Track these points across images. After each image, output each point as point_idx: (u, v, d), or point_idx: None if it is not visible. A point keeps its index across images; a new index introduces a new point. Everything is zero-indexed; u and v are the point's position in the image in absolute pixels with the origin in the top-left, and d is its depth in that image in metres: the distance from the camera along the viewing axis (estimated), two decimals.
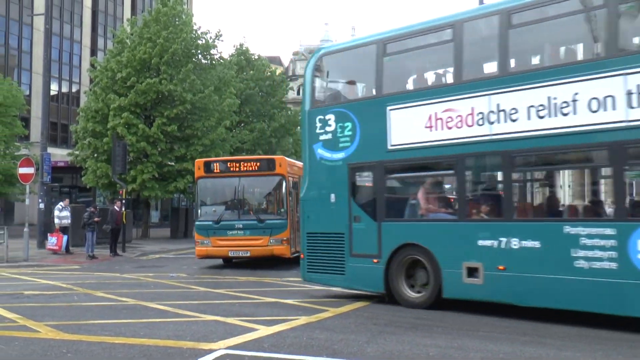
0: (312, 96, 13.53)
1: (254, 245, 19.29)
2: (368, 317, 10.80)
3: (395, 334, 9.29)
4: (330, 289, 14.81)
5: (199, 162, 20.61)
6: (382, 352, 8.12)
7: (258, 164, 19.88)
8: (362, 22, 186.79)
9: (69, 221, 24.99)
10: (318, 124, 13.19)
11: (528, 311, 10.75)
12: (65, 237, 24.31)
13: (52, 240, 24.52)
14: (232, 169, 19.92)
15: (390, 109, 12.13)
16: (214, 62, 36.82)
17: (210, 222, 19.70)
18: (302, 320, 10.39)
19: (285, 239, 19.24)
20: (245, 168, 19.80)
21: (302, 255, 13.58)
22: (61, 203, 25.42)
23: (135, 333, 9.20)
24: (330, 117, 12.99)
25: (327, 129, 13.05)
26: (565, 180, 14.23)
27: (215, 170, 20.05)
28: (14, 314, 10.84)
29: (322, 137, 13.14)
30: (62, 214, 24.63)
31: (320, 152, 13.17)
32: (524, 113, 10.44)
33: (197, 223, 20.25)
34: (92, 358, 7.71)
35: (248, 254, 19.38)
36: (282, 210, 19.54)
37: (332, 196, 12.97)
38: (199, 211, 20.38)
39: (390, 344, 8.65)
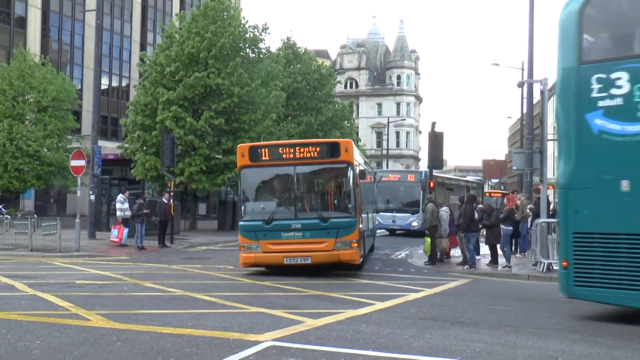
0: (579, 48, 10.46)
1: (315, 249, 15.71)
2: (414, 312, 10.75)
3: (442, 329, 9.23)
4: (378, 283, 14.78)
5: (243, 147, 16.66)
6: (428, 347, 8.07)
7: (318, 149, 16.25)
8: (410, 15, 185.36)
9: (129, 213, 24.77)
10: (595, 86, 10.13)
11: (578, 310, 10.57)
12: (126, 230, 24.63)
13: (114, 233, 24.83)
14: (285, 155, 16.30)
15: None
16: (261, 55, 36.96)
17: (260, 223, 16.01)
18: (348, 313, 10.40)
19: (354, 241, 15.86)
20: (301, 154, 16.16)
21: (564, 264, 10.51)
22: (122, 195, 25.47)
23: (182, 323, 9.34)
24: (621, 76, 9.90)
25: (614, 92, 9.95)
26: None
27: (263, 158, 16.37)
28: (67, 302, 11.10)
29: (603, 104, 10.05)
30: (124, 206, 24.71)
31: (601, 123, 10.04)
32: None
33: (241, 223, 16.43)
34: (140, 347, 7.85)
35: (308, 261, 15.75)
36: (350, 205, 16.11)
37: (625, 183, 9.86)
38: (244, 208, 16.65)
39: (437, 339, 8.60)
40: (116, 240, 24.47)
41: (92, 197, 27.57)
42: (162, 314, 10.14)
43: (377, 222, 26.63)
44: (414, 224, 31.66)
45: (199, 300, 11.82)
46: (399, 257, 22.74)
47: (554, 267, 17.39)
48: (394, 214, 32.49)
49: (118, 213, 24.75)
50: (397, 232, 33.90)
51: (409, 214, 32.37)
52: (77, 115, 47.61)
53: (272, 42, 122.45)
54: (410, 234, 32.38)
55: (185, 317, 9.91)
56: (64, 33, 53.39)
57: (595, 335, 9.07)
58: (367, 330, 9.06)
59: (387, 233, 34.08)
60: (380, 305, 11.39)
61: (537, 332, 9.16)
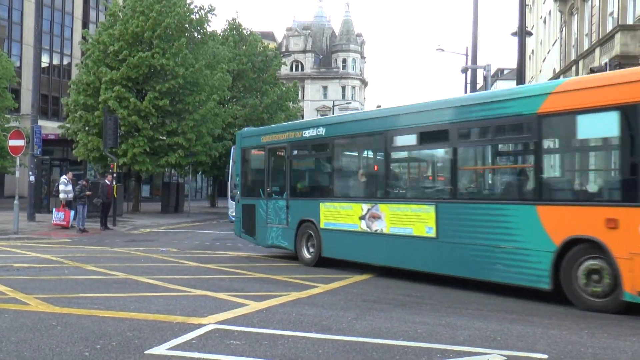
0: None
1: None
2: (357, 294, 10.85)
3: (384, 311, 9.34)
4: (321, 267, 14.86)
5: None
6: (370, 329, 8.16)
7: None
8: None
9: (72, 195, 24.29)
10: None
11: (515, 291, 10.84)
12: (72, 212, 24.12)
13: (59, 216, 24.28)
14: None
15: None
16: (206, 36, 36.56)
17: None
18: (292, 296, 10.43)
19: None
20: None
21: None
22: (65, 177, 24.98)
23: (125, 307, 9.21)
24: None
25: None
26: None
27: None
28: (4, 287, 10.82)
29: None
30: (67, 188, 24.23)
31: None
32: None
33: None
34: (81, 331, 7.71)
35: None
36: None
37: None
38: None
39: (379, 320, 8.69)
40: (63, 223, 23.98)
41: (32, 178, 26.92)
42: (104, 298, 9.98)
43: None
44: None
45: (142, 283, 11.68)
46: None
47: None
48: None
49: (61, 195, 24.27)
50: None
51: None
52: (16, 93, 46.28)
53: (217, 24, 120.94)
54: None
55: (127, 300, 9.78)
56: (0, 8, 51.65)
57: (532, 315, 9.31)
58: (310, 312, 9.11)
59: None
60: (323, 287, 11.46)
61: (477, 314, 9.34)
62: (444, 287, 11.85)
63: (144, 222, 28.36)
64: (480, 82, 36.32)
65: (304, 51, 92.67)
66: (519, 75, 19.34)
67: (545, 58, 44.71)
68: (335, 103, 78.08)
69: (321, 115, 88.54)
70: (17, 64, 49.39)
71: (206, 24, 36.01)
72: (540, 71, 46.18)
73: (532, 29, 45.40)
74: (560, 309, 9.82)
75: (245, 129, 19.49)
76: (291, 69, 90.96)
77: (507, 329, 8.28)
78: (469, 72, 29.92)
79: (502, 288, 10.99)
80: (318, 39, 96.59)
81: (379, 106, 24.04)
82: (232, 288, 11.16)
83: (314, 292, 10.97)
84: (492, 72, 23.40)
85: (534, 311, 9.63)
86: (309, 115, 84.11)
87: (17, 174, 23.59)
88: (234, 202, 20.69)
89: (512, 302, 10.40)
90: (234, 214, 20.77)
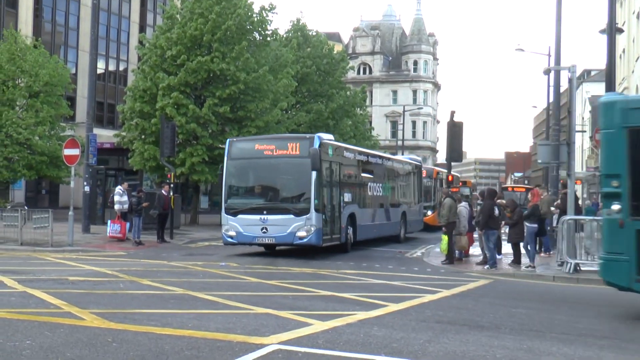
0: None
1: None
2: (430, 315, 10.74)
3: (460, 333, 9.22)
4: (392, 283, 14.80)
5: None
6: (444, 353, 8.07)
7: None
8: None
9: (128, 206, 24.66)
10: None
11: (607, 313, 10.54)
12: (128, 224, 24.63)
13: (114, 228, 24.78)
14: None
15: None
16: (268, 38, 36.90)
17: None
18: (360, 315, 10.40)
19: None
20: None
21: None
22: (120, 187, 25.46)
23: (183, 324, 9.36)
24: None
25: None
26: None
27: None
28: (59, 300, 11.14)
29: None
30: (122, 198, 24.70)
31: None
32: None
33: None
34: (138, 348, 7.87)
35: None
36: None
37: None
38: None
39: (454, 343, 8.58)
40: (119, 235, 24.47)
41: (87, 189, 27.66)
42: (161, 314, 10.17)
43: (232, 231, 20.73)
44: (301, 233, 19.91)
45: (201, 299, 11.84)
46: (414, 255, 22.76)
47: (582, 268, 17.38)
48: (264, 217, 20.29)
49: (117, 206, 24.75)
50: (271, 246, 21.94)
51: (292, 216, 20.11)
52: (71, 101, 47.70)
53: (280, 25, 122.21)
54: (296, 251, 22.06)
55: (185, 317, 9.93)
56: (57, 13, 53.51)
57: (625, 341, 9.03)
58: (380, 333, 9.06)
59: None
60: (393, 307, 11.39)
61: (563, 338, 9.13)
62: (525, 308, 11.62)
63: (203, 235, 28.74)
64: (564, 85, 35.61)
65: (372, 53, 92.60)
66: (609, 77, 18.85)
67: (638, 57, 43.45)
68: (406, 108, 77.79)
69: (390, 122, 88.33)
70: (73, 71, 50.97)
71: (268, 24, 36.30)
72: (633, 72, 44.90)
73: (623, 25, 44.19)
74: None
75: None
76: (358, 72, 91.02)
77: (596, 356, 8.06)
78: (552, 74, 29.40)
79: (593, 311, 10.69)
80: (387, 40, 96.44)
81: (453, 112, 23.75)
82: (296, 306, 11.20)
83: (384, 311, 10.91)
84: (578, 73, 22.90)
85: (628, 337, 9.34)
86: (377, 121, 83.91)
87: (72, 184, 24.23)
88: (229, 217, 20.74)
89: (603, 325, 10.12)
90: (230, 232, 20.72)
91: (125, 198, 24.58)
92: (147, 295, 12.29)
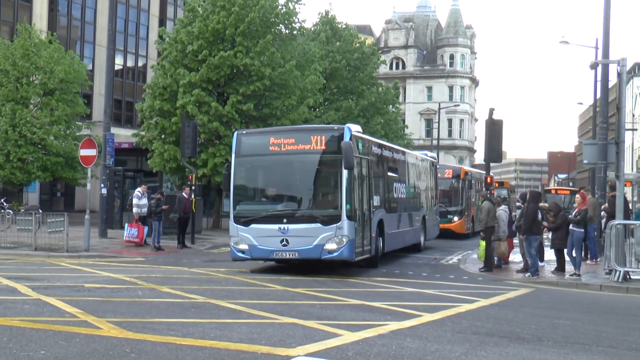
0: None
1: None
2: (467, 325, 10.69)
3: (498, 346, 9.16)
4: (426, 292, 14.74)
5: None
6: None
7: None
8: None
9: (147, 210, 24.83)
10: None
11: None
12: (146, 228, 24.81)
13: (131, 232, 24.93)
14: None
15: None
16: (295, 32, 36.93)
17: None
18: (392, 326, 10.38)
19: None
20: None
21: None
22: (139, 189, 25.63)
23: (204, 334, 9.41)
24: None
25: None
26: None
27: None
28: (75, 308, 11.26)
29: None
30: (141, 201, 24.88)
31: None
32: None
33: None
34: None
35: None
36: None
37: None
38: None
39: (492, 357, 8.53)
40: (136, 240, 24.65)
41: (104, 191, 27.91)
42: (181, 323, 10.23)
43: (244, 244, 18.03)
44: (331, 246, 17.25)
45: (223, 308, 11.90)
46: (450, 262, 22.66)
47: (632, 276, 17.18)
48: (285, 226, 17.62)
49: (134, 210, 24.92)
50: (293, 262, 19.05)
51: (318, 225, 17.46)
52: (88, 99, 48.25)
53: (308, 17, 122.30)
54: (321, 267, 19.16)
55: (207, 327, 9.99)
56: (73, 7, 54.15)
57: None
58: (413, 345, 9.03)
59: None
60: (428, 317, 11.35)
61: (611, 352, 9.03)
62: (570, 319, 11.51)
63: (225, 240, 28.66)
64: (613, 80, 35.19)
65: (406, 46, 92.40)
66: None
67: None
68: (442, 105, 77.52)
69: (425, 120, 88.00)
70: (89, 67, 51.60)
71: (294, 17, 36.31)
72: None
73: None
74: None
75: None
76: (391, 67, 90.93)
77: None
78: (599, 68, 29.09)
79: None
80: (421, 33, 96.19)
81: (492, 109, 23.57)
82: (324, 316, 11.21)
83: (417, 322, 10.88)
84: (629, 67, 22.66)
85: None
86: (411, 119, 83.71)
87: (89, 186, 24.43)
88: (240, 227, 17.89)
89: None
90: (241, 245, 17.93)
91: (144, 201, 24.75)
92: (166, 303, 12.37)
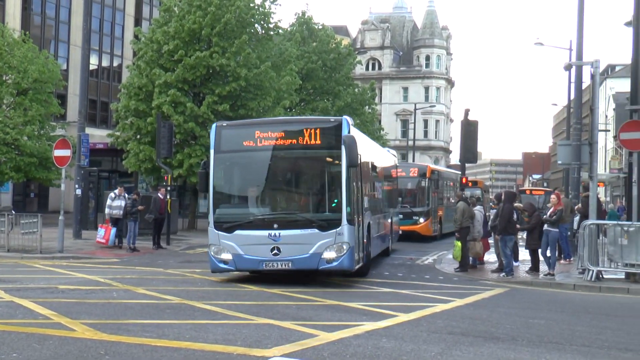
0: None
1: None
2: (442, 325, 10.74)
3: (473, 345, 9.21)
4: (401, 292, 14.79)
5: None
6: None
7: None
8: None
9: (122, 212, 24.49)
10: None
11: (632, 325, 10.52)
12: (113, 230, 24.63)
13: (100, 233, 24.90)
14: None
15: None
16: (270, 31, 36.93)
17: None
18: (368, 326, 10.40)
19: None
20: None
21: None
22: (115, 191, 25.42)
23: (179, 335, 9.38)
24: None
25: None
26: None
27: None
28: (48, 310, 11.17)
29: None
30: (114, 203, 24.62)
31: None
32: None
33: None
34: None
35: None
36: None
37: None
38: None
39: (467, 356, 8.58)
40: (102, 241, 24.53)
41: (78, 192, 27.72)
42: (156, 325, 10.19)
43: (226, 253, 15.72)
44: (330, 254, 15.27)
45: (199, 309, 11.86)
46: (426, 262, 22.74)
47: (604, 276, 17.35)
48: (276, 232, 15.39)
49: (106, 210, 24.80)
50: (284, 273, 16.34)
51: (315, 230, 15.39)
52: (62, 99, 47.85)
53: (284, 18, 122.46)
54: (314, 280, 16.71)
55: (182, 328, 9.95)
56: (47, 6, 53.68)
57: None
58: (389, 345, 9.06)
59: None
60: (403, 317, 11.38)
61: (584, 350, 9.11)
62: (544, 318, 11.61)
63: (201, 241, 28.71)
64: (586, 81, 35.51)
65: (382, 47, 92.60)
66: (634, 72, 18.80)
67: None
68: (418, 106, 77.78)
69: (401, 121, 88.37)
70: (64, 67, 51.16)
71: (270, 17, 36.30)
72: None
73: None
74: None
75: None
76: (367, 68, 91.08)
77: None
78: (573, 70, 29.37)
79: (616, 322, 10.68)
80: (398, 34, 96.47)
81: (468, 110, 23.68)
82: (300, 316, 11.21)
83: (393, 322, 10.91)
84: (602, 68, 22.88)
85: None
86: (387, 120, 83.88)
87: (63, 187, 24.23)
88: (222, 233, 15.60)
89: (627, 337, 10.10)
90: (223, 255, 15.65)
91: (117, 202, 24.42)
92: (141, 304, 12.31)
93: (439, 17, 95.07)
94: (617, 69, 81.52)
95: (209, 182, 16.21)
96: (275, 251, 15.26)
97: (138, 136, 33.98)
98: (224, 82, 33.46)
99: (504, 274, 18.26)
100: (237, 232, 15.65)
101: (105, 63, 59.12)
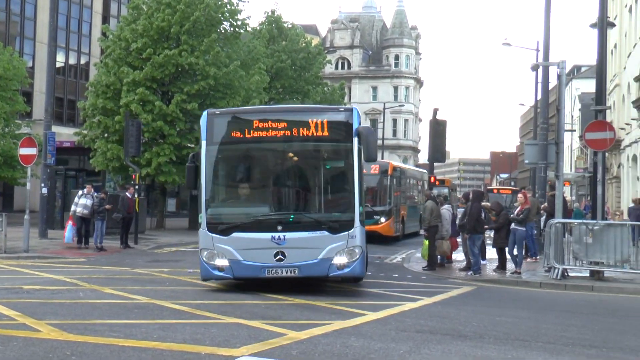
0: None
1: None
2: (411, 324, 10.79)
3: (441, 343, 9.27)
4: (370, 290, 14.83)
5: None
6: None
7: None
8: None
9: (89, 211, 23.80)
10: None
11: (595, 322, 10.65)
12: (69, 228, 24.25)
13: (69, 231, 24.41)
14: None
15: None
16: (238, 29, 36.84)
17: None
18: (336, 325, 10.42)
19: None
20: None
21: None
22: (84, 190, 24.81)
23: (147, 335, 9.32)
24: None
25: None
26: None
27: None
28: (13, 311, 11.03)
29: None
30: (80, 201, 24.04)
31: None
32: None
33: None
34: None
35: None
36: None
37: None
38: None
39: (436, 354, 8.63)
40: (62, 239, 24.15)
41: (44, 191, 27.42)
42: (123, 325, 10.11)
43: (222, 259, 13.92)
44: (341, 259, 13.81)
45: (167, 308, 11.80)
46: (394, 261, 22.84)
47: (570, 274, 17.56)
48: (280, 234, 13.73)
49: (72, 208, 24.45)
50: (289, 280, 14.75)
51: (325, 232, 13.85)
52: (28, 96, 47.34)
53: (254, 16, 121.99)
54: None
55: (150, 328, 9.89)
56: (12, 2, 53.00)
57: (614, 350, 9.13)
58: (357, 344, 9.08)
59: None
60: (372, 315, 11.42)
61: (549, 347, 9.21)
62: (510, 316, 11.72)
63: (169, 240, 28.63)
64: (553, 82, 35.91)
65: (351, 46, 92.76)
66: (600, 73, 19.07)
67: (630, 53, 43.93)
68: (387, 105, 78.02)
69: (370, 120, 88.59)
70: (30, 64, 50.54)
71: (238, 14, 36.22)
72: (625, 68, 45.41)
73: (615, 19, 44.70)
74: None
75: None
76: (336, 67, 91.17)
77: None
78: (540, 70, 29.66)
79: (581, 320, 10.81)
80: (367, 33, 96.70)
81: (436, 110, 23.74)
82: (268, 315, 11.20)
83: (362, 320, 10.94)
84: (568, 69, 23.15)
85: (618, 345, 9.44)
86: None
87: (28, 185, 23.96)
88: (217, 236, 13.81)
89: (591, 334, 10.23)
90: (218, 261, 13.86)
91: (83, 201, 23.95)
92: (109, 304, 12.21)
93: (408, 17, 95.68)
94: (583, 69, 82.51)
95: (201, 177, 14.18)
96: (280, 256, 13.61)
97: (106, 135, 33.74)
98: (193, 81, 33.35)
99: (471, 272, 18.39)
100: (235, 234, 13.86)
101: (72, 61, 58.53)
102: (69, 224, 24.25)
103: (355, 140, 13.89)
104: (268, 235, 13.62)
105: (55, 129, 29.60)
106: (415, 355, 8.57)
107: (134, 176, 27.66)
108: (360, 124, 14.25)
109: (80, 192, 24.70)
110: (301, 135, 14.27)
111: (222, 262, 13.84)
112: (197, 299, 13.04)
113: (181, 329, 9.82)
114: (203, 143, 14.43)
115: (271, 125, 14.15)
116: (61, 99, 54.49)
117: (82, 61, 59.29)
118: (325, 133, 14.17)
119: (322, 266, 13.71)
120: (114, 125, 32.57)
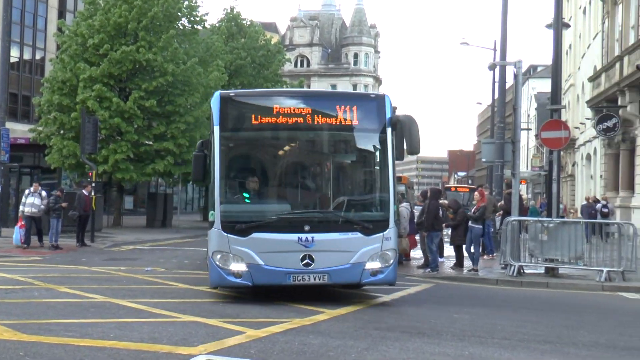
0: None
1: None
2: (369, 321, 10.84)
3: (399, 340, 9.33)
4: (328, 288, 14.87)
5: None
6: None
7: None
8: None
9: (38, 210, 23.39)
10: None
11: (551, 318, 10.82)
12: (16, 228, 23.67)
13: (20, 231, 23.47)
14: None
15: None
16: (196, 26, 36.69)
17: None
18: (295, 322, 10.43)
19: None
20: None
21: None
22: (31, 188, 24.36)
23: (104, 335, 9.23)
24: None
25: None
26: None
27: None
28: None
29: None
30: (27, 200, 23.57)
31: None
32: None
33: None
34: None
35: None
36: None
37: None
38: None
39: (393, 351, 8.68)
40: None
41: None
42: (79, 324, 10.00)
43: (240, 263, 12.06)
44: (374, 264, 12.41)
45: (124, 307, 11.70)
46: None
47: (525, 271, 17.80)
48: (308, 236, 12.08)
49: (20, 208, 23.90)
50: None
51: (358, 234, 12.38)
52: None
53: (212, 13, 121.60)
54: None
55: (107, 327, 9.80)
56: None
57: (568, 345, 9.28)
58: (316, 341, 9.10)
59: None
60: (330, 313, 11.44)
61: (505, 343, 9.33)
62: (467, 313, 11.84)
63: (126, 238, 28.39)
64: (510, 81, 36.34)
65: (311, 44, 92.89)
66: (555, 72, 19.35)
67: (584, 54, 44.73)
68: None
69: None
70: None
71: (196, 10, 36.10)
72: (579, 68, 46.20)
73: (569, 20, 45.47)
74: (602, 339, 9.79)
75: None
76: (296, 65, 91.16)
77: None
78: (497, 70, 30.00)
79: (537, 316, 10.96)
80: (326, 31, 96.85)
81: (395, 108, 23.74)
82: (226, 313, 11.17)
83: (319, 318, 10.96)
84: (524, 69, 23.46)
85: (570, 342, 9.59)
86: None
87: None
88: (234, 237, 11.93)
89: (546, 330, 10.38)
90: (234, 265, 12.04)
91: (31, 199, 23.42)
92: (64, 303, 12.06)
93: (368, 16, 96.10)
94: (539, 69, 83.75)
95: (214, 168, 12.31)
96: (307, 260, 12.01)
97: (61, 131, 33.32)
98: (151, 77, 33.09)
99: (429, 269, 18.52)
100: (255, 235, 12.07)
101: (27, 56, 57.58)
102: (17, 226, 23.74)
103: (389, 130, 12.66)
104: (294, 236, 12.03)
105: (9, 125, 29.17)
106: (373, 352, 8.61)
107: (90, 173, 27.40)
108: (393, 112, 12.96)
109: (27, 191, 24.19)
110: (329, 123, 12.79)
111: (239, 266, 12.07)
112: (155, 297, 12.94)
113: (138, 328, 9.74)
114: (216, 129, 12.48)
115: (296, 111, 12.53)
116: (15, 94, 53.60)
117: (37, 56, 58.36)
118: (355, 122, 12.73)
119: (354, 272, 12.25)
120: (70, 122, 32.17)
